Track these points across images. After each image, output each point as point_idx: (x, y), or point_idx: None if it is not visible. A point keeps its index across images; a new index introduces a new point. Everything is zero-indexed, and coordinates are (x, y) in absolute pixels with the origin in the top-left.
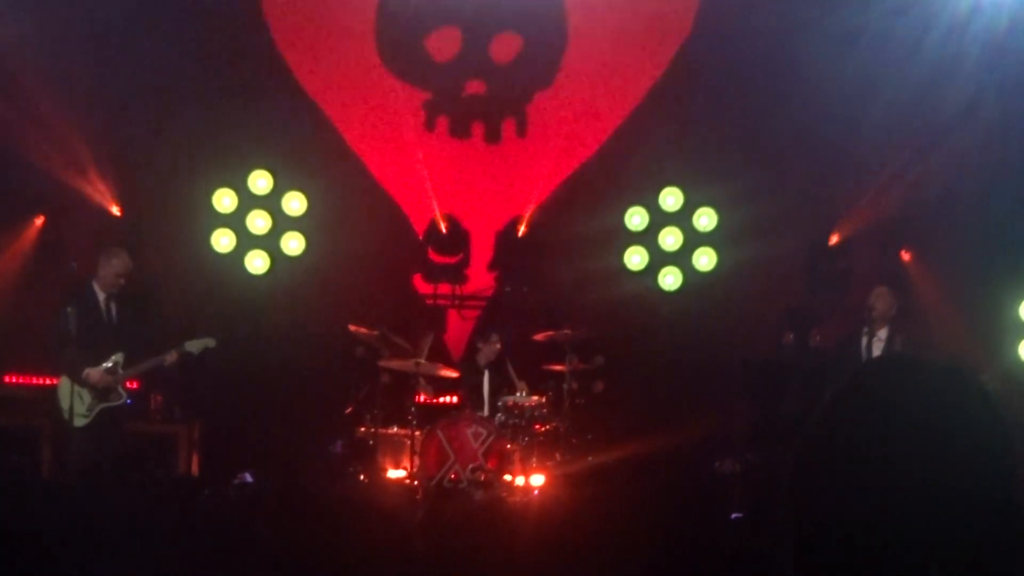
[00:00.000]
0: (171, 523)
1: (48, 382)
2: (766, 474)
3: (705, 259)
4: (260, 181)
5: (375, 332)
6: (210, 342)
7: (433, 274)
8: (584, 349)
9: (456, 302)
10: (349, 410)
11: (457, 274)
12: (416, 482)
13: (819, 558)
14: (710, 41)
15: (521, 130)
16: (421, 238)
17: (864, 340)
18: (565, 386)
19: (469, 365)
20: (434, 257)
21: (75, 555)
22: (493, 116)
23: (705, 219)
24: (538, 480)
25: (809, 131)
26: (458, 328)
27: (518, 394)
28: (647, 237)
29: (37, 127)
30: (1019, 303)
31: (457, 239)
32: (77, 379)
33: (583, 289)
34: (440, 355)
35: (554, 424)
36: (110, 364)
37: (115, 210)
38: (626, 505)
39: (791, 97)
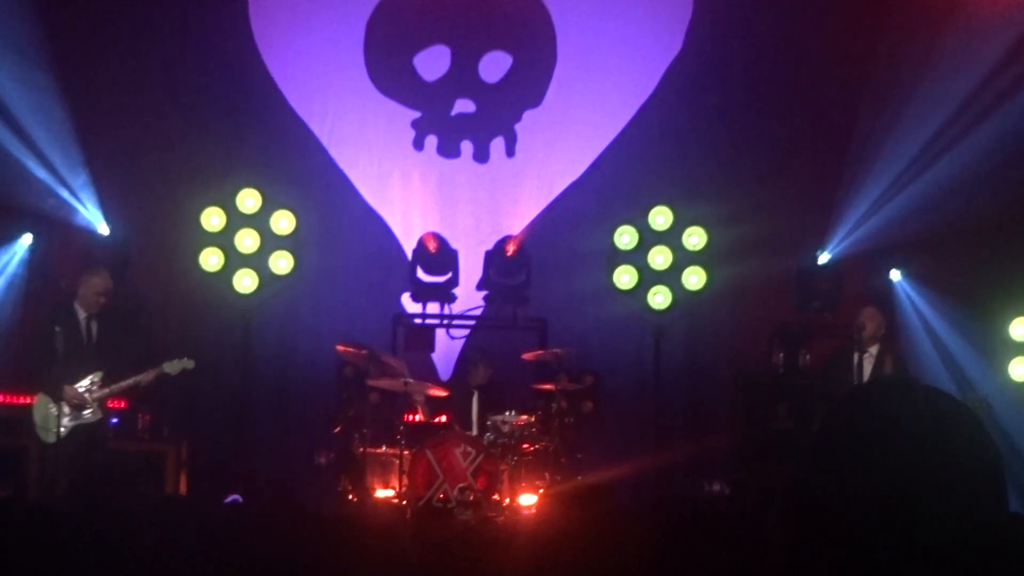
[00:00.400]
0: (159, 543)
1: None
2: (756, 493)
3: (695, 278)
4: (248, 200)
5: (363, 351)
6: (189, 364)
7: (421, 293)
8: (573, 368)
9: (444, 321)
10: (338, 429)
11: (445, 293)
12: (405, 502)
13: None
14: (700, 60)
15: (510, 149)
16: (409, 257)
17: (855, 359)
18: (554, 405)
19: (459, 385)
20: (422, 276)
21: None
22: (482, 135)
23: (695, 238)
24: (527, 500)
25: (799, 150)
26: (446, 347)
27: (507, 413)
28: (636, 256)
29: (25, 145)
30: (1009, 322)
31: (445, 258)
32: (54, 395)
33: (572, 308)
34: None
35: (543, 443)
36: (87, 382)
37: (103, 229)
38: (615, 525)
39: (780, 116)
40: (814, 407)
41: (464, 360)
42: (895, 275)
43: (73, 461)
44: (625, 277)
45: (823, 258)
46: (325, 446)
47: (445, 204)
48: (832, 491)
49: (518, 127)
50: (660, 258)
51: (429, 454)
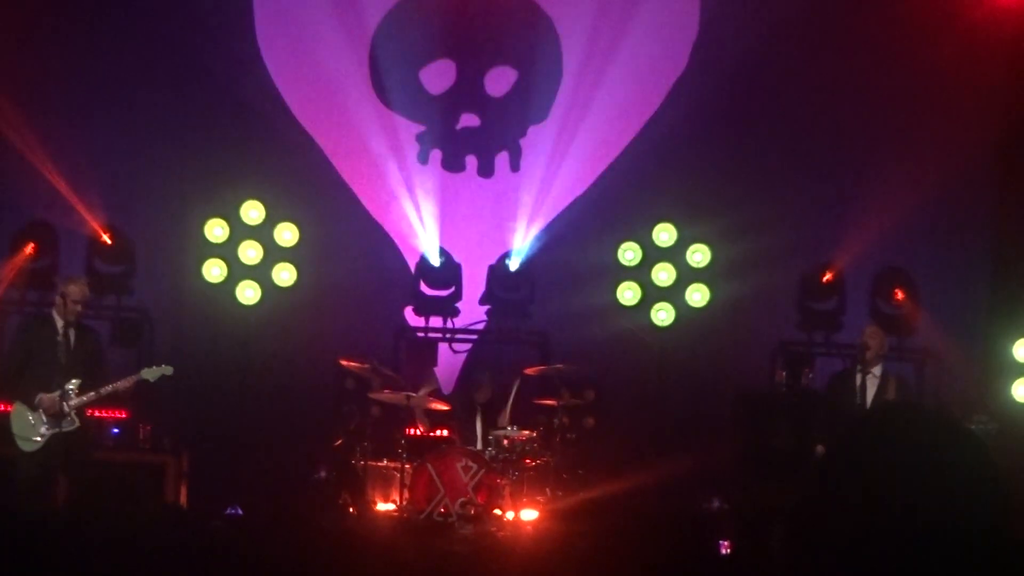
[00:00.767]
0: (159, 554)
1: None
2: (755, 512)
3: (698, 295)
4: (252, 211)
5: (366, 365)
6: (167, 370)
7: (424, 307)
8: (575, 384)
9: (447, 335)
10: (339, 442)
11: (448, 307)
12: (406, 515)
13: None
14: (705, 77)
15: (515, 164)
16: (413, 271)
17: (858, 379)
18: (556, 421)
19: (461, 399)
20: (426, 290)
21: None
22: (487, 149)
23: (698, 255)
24: (528, 515)
25: (803, 168)
26: (449, 362)
27: (509, 428)
28: (640, 272)
29: (28, 155)
30: (1012, 343)
31: (449, 272)
32: (30, 404)
33: (575, 324)
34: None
35: (545, 459)
36: (62, 391)
37: (106, 239)
38: (616, 540)
39: (785, 134)
40: (816, 427)
41: (468, 377)
42: (899, 294)
43: (46, 468)
44: (628, 293)
45: (827, 276)
46: (326, 459)
47: (449, 218)
48: (837, 514)
49: (523, 142)
50: (664, 274)
51: (430, 468)
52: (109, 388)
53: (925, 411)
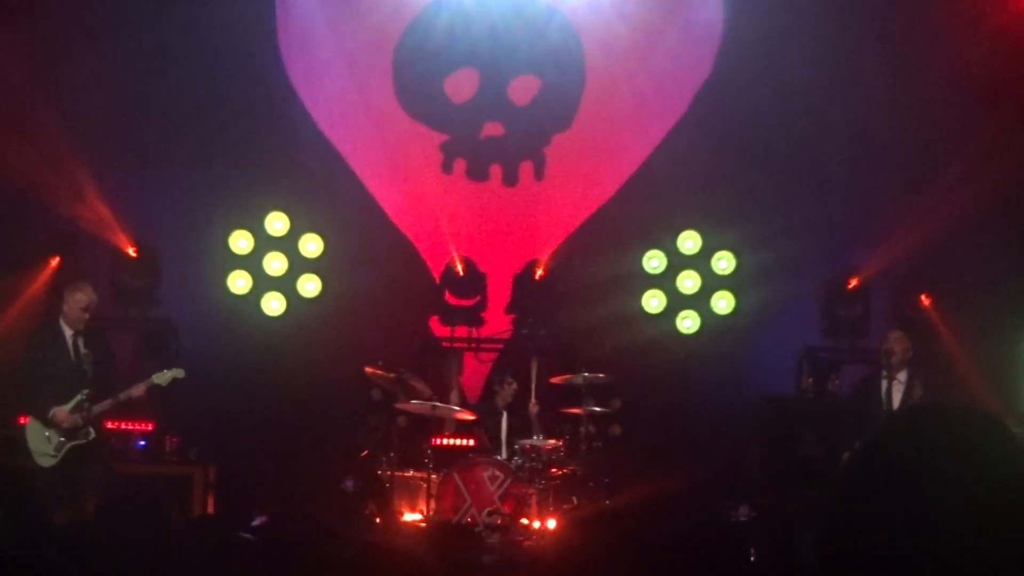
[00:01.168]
0: (186, 566)
1: None
2: (782, 519)
3: (723, 302)
4: (277, 223)
5: (392, 375)
6: (179, 373)
7: (450, 316)
8: (601, 392)
9: (473, 345)
10: (365, 452)
11: (474, 317)
12: (432, 525)
13: None
14: (729, 84)
15: (539, 173)
16: (438, 280)
17: (884, 384)
18: (582, 429)
19: (486, 408)
20: (451, 299)
21: None
22: (511, 158)
23: (723, 262)
24: (554, 524)
25: (828, 175)
26: (475, 371)
27: (535, 437)
28: (665, 280)
29: (53, 168)
30: None
31: (474, 281)
32: (44, 419)
33: (601, 332)
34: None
35: (571, 467)
36: (75, 403)
37: (131, 251)
38: (642, 549)
39: (810, 141)
40: (842, 433)
41: (493, 378)
42: (925, 300)
43: (66, 482)
44: (654, 301)
45: (852, 283)
46: (352, 470)
47: (474, 227)
48: (866, 519)
49: (547, 150)
50: (689, 282)
51: (457, 478)
52: (122, 396)
53: (951, 410)
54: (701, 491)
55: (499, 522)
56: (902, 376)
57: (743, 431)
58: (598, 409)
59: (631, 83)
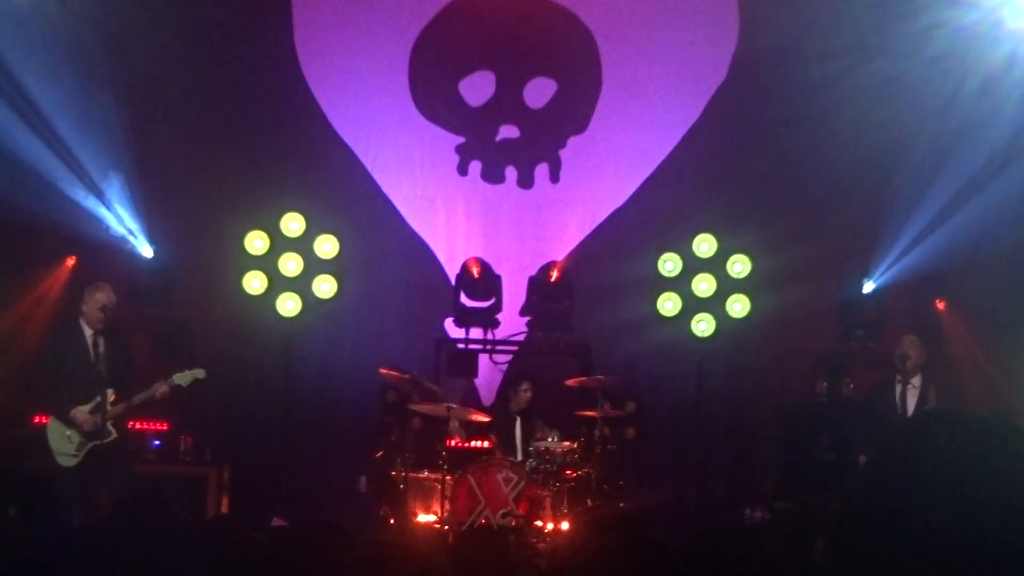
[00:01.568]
0: (200, 566)
1: None
2: (796, 523)
3: (738, 306)
4: (292, 223)
5: (406, 376)
6: (199, 373)
7: (465, 318)
8: (616, 395)
9: (488, 347)
10: (379, 454)
11: (489, 319)
12: (446, 527)
13: None
14: (745, 87)
15: (555, 175)
16: (453, 282)
17: (898, 389)
18: (596, 432)
19: (501, 410)
20: (466, 301)
21: None
22: (526, 161)
23: (739, 266)
24: (568, 526)
25: (843, 179)
26: (489, 373)
27: (549, 440)
28: (680, 283)
29: (69, 168)
30: None
31: (489, 284)
32: (64, 419)
33: (616, 335)
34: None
35: (585, 470)
36: (95, 403)
37: (147, 252)
38: (656, 552)
39: (826, 145)
40: (856, 437)
41: (508, 381)
42: (940, 305)
43: (88, 482)
44: (669, 304)
45: (868, 287)
46: (366, 470)
47: (489, 229)
48: (879, 525)
49: (563, 153)
50: (704, 285)
51: (471, 479)
52: (143, 396)
53: (965, 416)
54: (714, 494)
55: (513, 524)
56: (916, 381)
57: (757, 435)
58: (613, 412)
59: (647, 86)
